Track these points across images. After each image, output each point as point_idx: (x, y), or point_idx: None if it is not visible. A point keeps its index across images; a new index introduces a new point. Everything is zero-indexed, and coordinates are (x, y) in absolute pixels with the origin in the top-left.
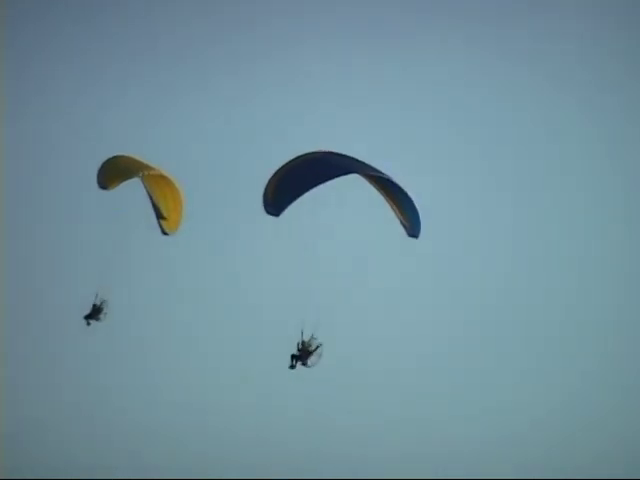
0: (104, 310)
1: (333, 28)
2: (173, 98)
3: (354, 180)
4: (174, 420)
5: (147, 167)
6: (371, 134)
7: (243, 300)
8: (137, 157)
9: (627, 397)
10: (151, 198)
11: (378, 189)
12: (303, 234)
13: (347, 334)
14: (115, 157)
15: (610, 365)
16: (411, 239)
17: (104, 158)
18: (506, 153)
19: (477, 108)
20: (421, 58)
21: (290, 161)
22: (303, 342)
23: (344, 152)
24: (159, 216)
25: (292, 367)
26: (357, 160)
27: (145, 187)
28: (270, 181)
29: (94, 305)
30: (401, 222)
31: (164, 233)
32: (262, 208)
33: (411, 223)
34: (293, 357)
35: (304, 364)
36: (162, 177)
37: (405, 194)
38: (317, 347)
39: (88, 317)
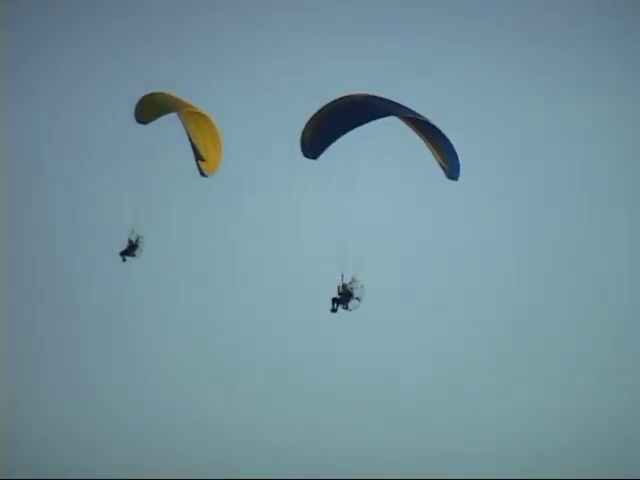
0: (139, 247)
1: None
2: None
3: (393, 122)
4: (174, 420)
5: (187, 105)
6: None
7: (282, 243)
8: (177, 95)
9: (628, 397)
10: (190, 138)
11: (416, 131)
12: (341, 177)
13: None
14: (154, 93)
15: (611, 365)
16: (450, 181)
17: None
18: (506, 153)
19: (477, 108)
20: (421, 57)
21: (328, 104)
22: (344, 285)
23: None
24: (198, 157)
25: (334, 310)
26: (395, 102)
27: (184, 126)
28: (308, 124)
29: (130, 241)
30: (440, 164)
31: (202, 174)
32: (300, 151)
33: (450, 165)
34: (334, 300)
35: (345, 307)
36: (202, 115)
37: (444, 136)
38: (359, 288)
39: (124, 253)
